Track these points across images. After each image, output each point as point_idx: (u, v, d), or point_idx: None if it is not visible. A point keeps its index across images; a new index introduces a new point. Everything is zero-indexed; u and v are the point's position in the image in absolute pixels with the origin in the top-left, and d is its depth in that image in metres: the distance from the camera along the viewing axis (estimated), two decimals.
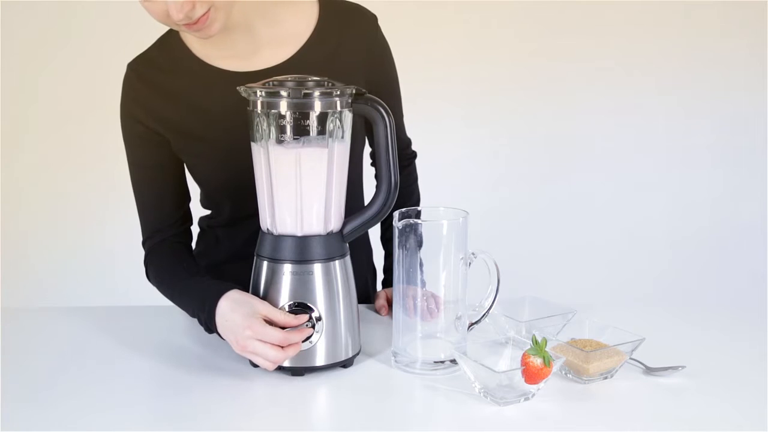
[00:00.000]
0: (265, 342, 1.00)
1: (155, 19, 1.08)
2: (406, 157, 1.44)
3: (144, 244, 1.28)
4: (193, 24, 1.06)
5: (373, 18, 1.29)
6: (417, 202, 1.46)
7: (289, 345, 1.01)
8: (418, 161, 1.48)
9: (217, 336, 1.09)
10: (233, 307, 1.04)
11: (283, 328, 1.02)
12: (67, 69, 2.81)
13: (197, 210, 1.43)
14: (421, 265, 1.06)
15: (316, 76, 1.04)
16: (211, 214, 1.39)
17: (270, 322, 1.02)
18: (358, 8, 1.28)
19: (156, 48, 1.23)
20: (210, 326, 1.08)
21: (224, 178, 1.25)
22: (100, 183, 2.87)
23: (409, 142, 1.45)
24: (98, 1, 2.73)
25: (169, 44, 1.22)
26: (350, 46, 1.25)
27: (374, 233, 1.42)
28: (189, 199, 1.30)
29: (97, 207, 2.89)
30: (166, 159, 1.24)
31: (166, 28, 1.21)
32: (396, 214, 1.08)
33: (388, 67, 1.33)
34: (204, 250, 1.40)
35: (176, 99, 1.20)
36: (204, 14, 1.05)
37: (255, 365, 1.07)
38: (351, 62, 1.25)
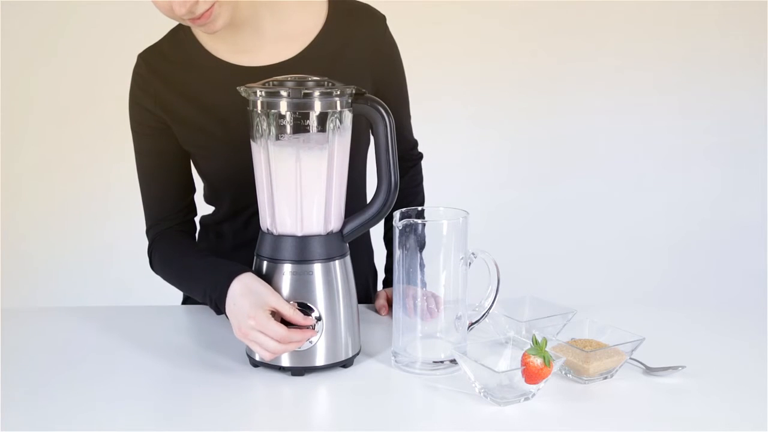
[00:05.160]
0: (267, 334, 1.00)
1: (162, 13, 1.09)
2: (413, 158, 1.44)
3: (147, 232, 1.29)
4: (197, 19, 1.07)
5: (381, 18, 1.29)
6: (422, 203, 1.46)
7: (290, 342, 1.01)
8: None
9: (217, 336, 1.12)
10: (244, 293, 1.03)
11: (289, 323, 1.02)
12: (67, 67, 2.81)
13: (199, 210, 1.43)
14: (422, 266, 1.06)
15: (322, 73, 1.04)
16: (213, 211, 1.39)
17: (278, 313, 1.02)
18: (367, 8, 1.29)
19: (166, 40, 1.25)
20: (220, 307, 1.07)
21: (228, 171, 1.25)
22: (100, 182, 2.87)
23: (415, 143, 1.45)
24: (97, 1, 2.73)
25: (179, 37, 1.24)
26: (358, 45, 1.25)
27: (376, 235, 1.42)
28: (194, 190, 1.32)
29: (97, 207, 2.90)
30: (172, 149, 1.25)
31: (174, 23, 1.21)
32: (396, 213, 1.08)
33: (396, 68, 1.33)
34: (207, 246, 1.40)
35: (184, 90, 1.21)
36: (208, 10, 1.06)
37: (255, 365, 1.07)
38: (358, 60, 1.25)
